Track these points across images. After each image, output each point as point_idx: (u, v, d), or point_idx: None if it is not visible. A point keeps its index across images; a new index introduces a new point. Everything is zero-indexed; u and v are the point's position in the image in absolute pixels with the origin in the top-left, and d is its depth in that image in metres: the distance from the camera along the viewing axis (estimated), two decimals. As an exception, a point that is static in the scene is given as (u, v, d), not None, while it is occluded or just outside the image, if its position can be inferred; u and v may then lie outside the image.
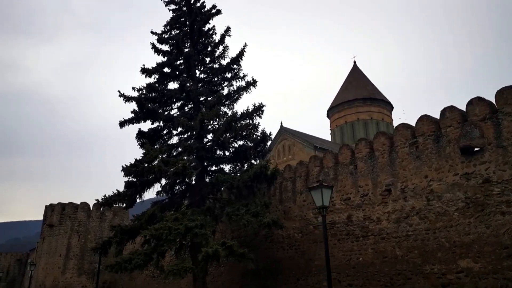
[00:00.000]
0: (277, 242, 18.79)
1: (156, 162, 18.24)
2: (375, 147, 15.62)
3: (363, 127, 52.14)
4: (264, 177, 17.72)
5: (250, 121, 19.48)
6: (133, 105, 20.41)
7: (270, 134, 19.36)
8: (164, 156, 18.62)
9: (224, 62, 21.85)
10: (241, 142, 19.63)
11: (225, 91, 21.14)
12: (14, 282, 57.00)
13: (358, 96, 53.19)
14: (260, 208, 16.69)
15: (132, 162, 18.84)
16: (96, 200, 18.50)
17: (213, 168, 20.70)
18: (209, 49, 22.38)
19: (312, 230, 17.31)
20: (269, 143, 20.21)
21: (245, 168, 19.18)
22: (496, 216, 11.40)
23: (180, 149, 20.00)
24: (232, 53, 21.96)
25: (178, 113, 21.53)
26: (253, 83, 20.42)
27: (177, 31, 22.83)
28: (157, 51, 22.01)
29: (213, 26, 22.50)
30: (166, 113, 20.93)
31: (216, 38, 22.28)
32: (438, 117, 13.78)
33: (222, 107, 20.30)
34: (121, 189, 18.98)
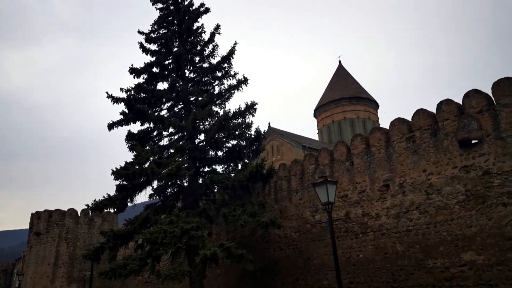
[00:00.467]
0: (274, 242, 18.52)
1: (148, 164, 17.77)
2: (371, 143, 15.52)
3: (350, 126, 52.42)
4: (260, 176, 17.46)
5: (243, 120, 19.20)
6: (122, 107, 19.90)
7: (264, 132, 19.10)
8: (156, 157, 18.14)
9: (214, 61, 21.53)
10: (234, 142, 19.32)
11: (216, 90, 20.81)
12: (-2, 294, 55.19)
13: (344, 95, 53.49)
14: (257, 208, 16.40)
15: (123, 165, 18.33)
16: (86, 205, 17.90)
17: (206, 169, 20.32)
18: (198, 48, 22.01)
19: (310, 229, 17.09)
20: (263, 141, 19.94)
21: (239, 168, 18.87)
22: (498, 207, 11.37)
23: (172, 150, 19.56)
24: (221, 51, 21.58)
25: (168, 114, 21.08)
26: (245, 81, 20.14)
27: (165, 30, 22.37)
28: (145, 50, 21.53)
29: (202, 24, 22.17)
30: (156, 114, 20.44)
31: (206, 36, 21.96)
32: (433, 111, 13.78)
33: (213, 107, 19.94)
34: (111, 194, 18.43)
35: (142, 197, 19.25)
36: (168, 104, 21.20)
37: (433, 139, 13.40)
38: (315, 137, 55.30)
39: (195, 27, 22.10)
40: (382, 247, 14.27)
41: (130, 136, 19.96)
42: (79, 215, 28.98)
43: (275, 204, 18.93)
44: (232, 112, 19.07)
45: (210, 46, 21.73)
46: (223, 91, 20.68)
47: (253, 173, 17.01)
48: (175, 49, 21.47)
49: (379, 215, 14.57)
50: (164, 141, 20.43)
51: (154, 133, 20.58)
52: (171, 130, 20.20)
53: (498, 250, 11.16)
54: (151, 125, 20.47)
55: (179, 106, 21.27)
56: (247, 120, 19.15)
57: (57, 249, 27.95)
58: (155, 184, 18.58)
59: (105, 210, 19.42)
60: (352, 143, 16.33)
